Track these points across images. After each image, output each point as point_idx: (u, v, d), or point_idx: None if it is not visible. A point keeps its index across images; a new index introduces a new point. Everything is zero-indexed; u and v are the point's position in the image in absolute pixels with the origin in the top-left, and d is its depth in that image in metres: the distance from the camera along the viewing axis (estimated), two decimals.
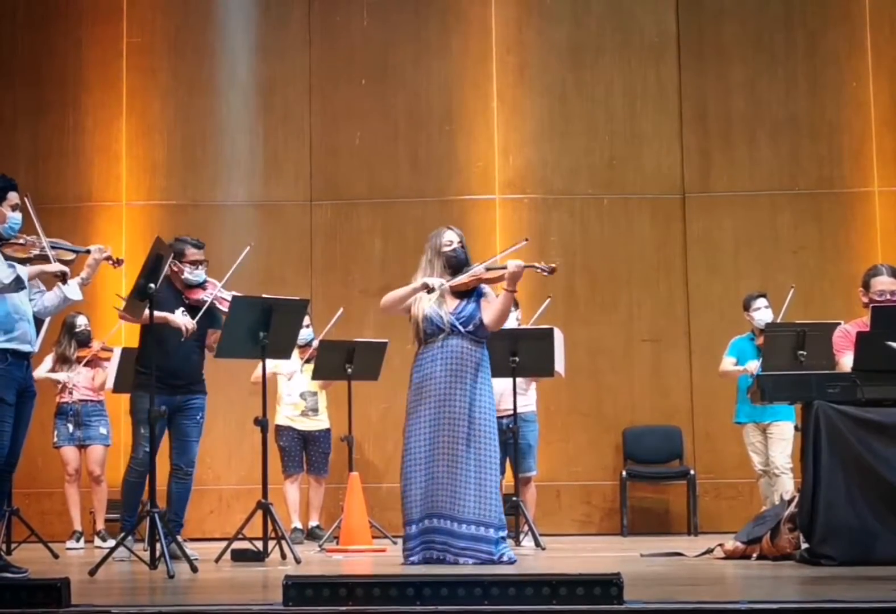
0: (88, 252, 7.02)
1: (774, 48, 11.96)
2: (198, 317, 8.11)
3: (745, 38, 12.00)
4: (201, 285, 8.27)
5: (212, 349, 8.35)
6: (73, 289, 6.88)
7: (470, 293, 7.32)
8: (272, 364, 10.16)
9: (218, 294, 8.18)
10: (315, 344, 10.36)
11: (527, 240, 7.43)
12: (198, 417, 8.26)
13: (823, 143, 11.84)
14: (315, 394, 10.64)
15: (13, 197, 6.77)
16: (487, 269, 7.29)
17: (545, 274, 7.17)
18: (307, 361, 10.44)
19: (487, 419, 7.20)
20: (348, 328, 11.02)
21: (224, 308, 8.14)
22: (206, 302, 8.14)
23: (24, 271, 6.54)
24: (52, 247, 6.83)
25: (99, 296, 10.45)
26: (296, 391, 10.56)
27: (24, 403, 6.74)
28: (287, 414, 10.61)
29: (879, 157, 11.74)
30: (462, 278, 7.26)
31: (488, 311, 7.29)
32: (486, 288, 7.38)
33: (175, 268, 8.08)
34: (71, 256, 7.00)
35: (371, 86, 12.07)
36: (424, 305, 7.26)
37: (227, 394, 11.16)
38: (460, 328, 7.21)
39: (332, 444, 10.67)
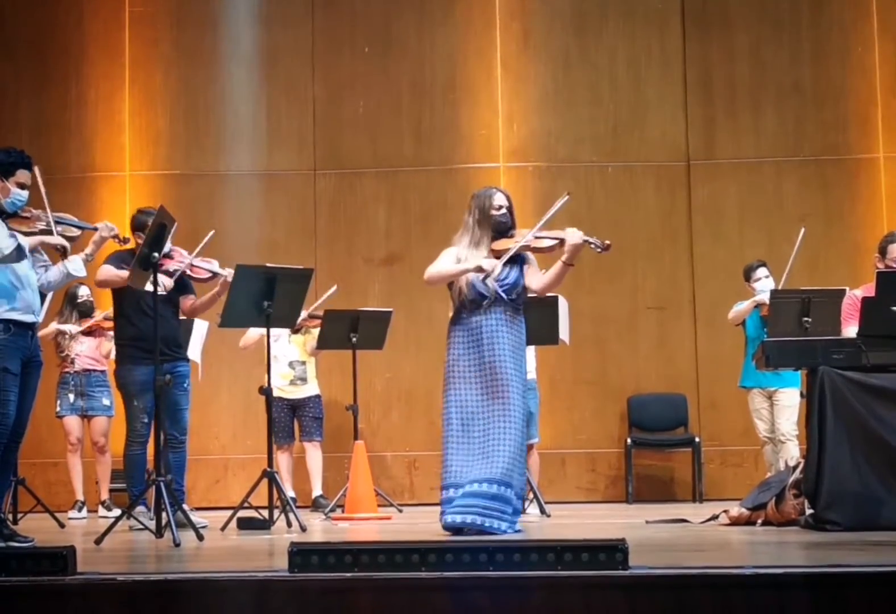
0: (95, 229, 7.03)
1: (779, 14, 11.91)
2: (172, 290, 8.16)
3: (750, 5, 11.95)
4: (167, 255, 8.21)
5: (189, 315, 8.51)
6: (76, 265, 6.88)
7: (513, 258, 7.13)
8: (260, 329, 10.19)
9: (188, 262, 8.14)
10: (303, 315, 10.27)
11: (569, 194, 7.25)
12: (185, 384, 8.26)
13: (828, 109, 11.80)
14: (304, 363, 10.61)
15: (22, 174, 6.74)
16: (536, 237, 7.11)
17: (598, 250, 6.97)
18: (296, 332, 10.39)
19: (519, 386, 7.05)
20: (353, 298, 11.02)
21: (197, 276, 8.18)
22: (174, 271, 8.13)
23: (26, 241, 6.54)
24: (58, 222, 6.84)
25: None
26: (284, 360, 10.49)
27: (30, 373, 6.75)
28: (275, 384, 10.55)
29: (885, 124, 11.70)
30: (512, 248, 7.07)
31: (536, 279, 7.15)
32: (529, 253, 7.23)
33: (139, 241, 7.96)
34: (76, 232, 7.00)
35: (374, 55, 12.04)
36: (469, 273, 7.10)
37: (230, 365, 11.19)
38: (504, 296, 7.07)
39: (323, 410, 10.64)
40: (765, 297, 9.45)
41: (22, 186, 6.75)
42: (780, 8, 11.93)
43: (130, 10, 12.06)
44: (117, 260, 8.10)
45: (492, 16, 12.00)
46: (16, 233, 6.56)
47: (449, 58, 12.06)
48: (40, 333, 7.55)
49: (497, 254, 7.14)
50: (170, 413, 8.16)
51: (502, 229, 7.21)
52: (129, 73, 12.04)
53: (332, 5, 12.10)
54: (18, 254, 6.49)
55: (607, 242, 6.98)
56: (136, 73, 12.06)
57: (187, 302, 8.37)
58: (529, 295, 7.33)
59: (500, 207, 7.22)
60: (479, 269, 7.01)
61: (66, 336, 10.40)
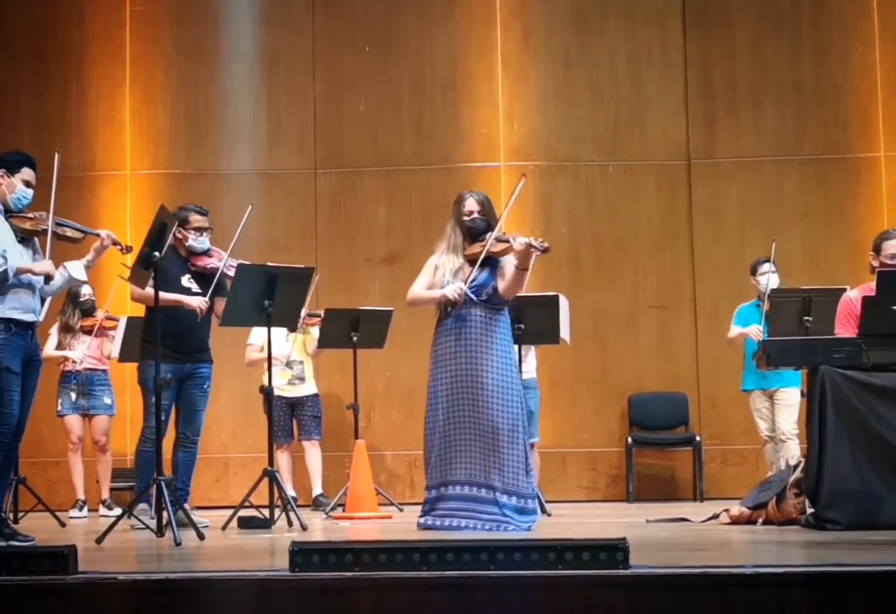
0: (97, 235, 7.03)
1: (780, 12, 11.90)
2: (210, 292, 8.12)
3: (750, 3, 11.94)
4: (206, 252, 8.29)
5: (219, 317, 8.41)
6: (77, 270, 6.88)
7: (486, 260, 7.32)
8: (259, 346, 10.15)
9: (224, 262, 8.19)
10: (302, 314, 10.26)
11: (524, 175, 7.44)
12: (205, 386, 8.28)
13: (829, 107, 11.79)
14: (301, 362, 10.62)
15: (27, 172, 6.76)
16: (497, 241, 7.26)
17: (538, 252, 7.08)
18: (293, 331, 10.38)
19: (507, 387, 7.22)
20: (353, 297, 11.02)
21: (231, 274, 8.17)
22: (212, 268, 8.17)
23: (14, 266, 6.54)
24: (60, 225, 6.85)
25: (104, 266, 10.42)
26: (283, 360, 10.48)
27: (30, 373, 6.75)
28: (274, 383, 10.52)
29: (885, 122, 11.70)
30: (476, 249, 7.28)
31: (502, 282, 7.33)
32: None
33: (179, 236, 8.06)
34: (79, 236, 7.00)
35: (375, 53, 12.03)
36: (441, 278, 7.33)
37: (232, 364, 11.16)
38: (473, 297, 7.26)
39: (321, 409, 10.66)
40: (753, 333, 9.52)
41: (27, 184, 6.76)
42: (781, 6, 11.92)
43: (131, 9, 12.05)
44: None
45: (492, 14, 12.00)
46: (7, 255, 6.54)
47: (449, 56, 12.06)
48: (44, 355, 7.62)
49: (469, 259, 7.35)
50: (185, 413, 8.21)
51: (474, 234, 7.40)
52: (129, 71, 12.04)
53: (332, 4, 12.10)
54: (3, 276, 6.50)
55: (545, 245, 7.03)
56: (137, 72, 12.05)
57: (221, 304, 8.24)
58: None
59: (471, 213, 7.40)
60: (445, 298, 7.26)
61: (68, 336, 10.40)
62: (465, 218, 7.39)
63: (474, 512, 7.13)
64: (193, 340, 8.20)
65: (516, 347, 9.12)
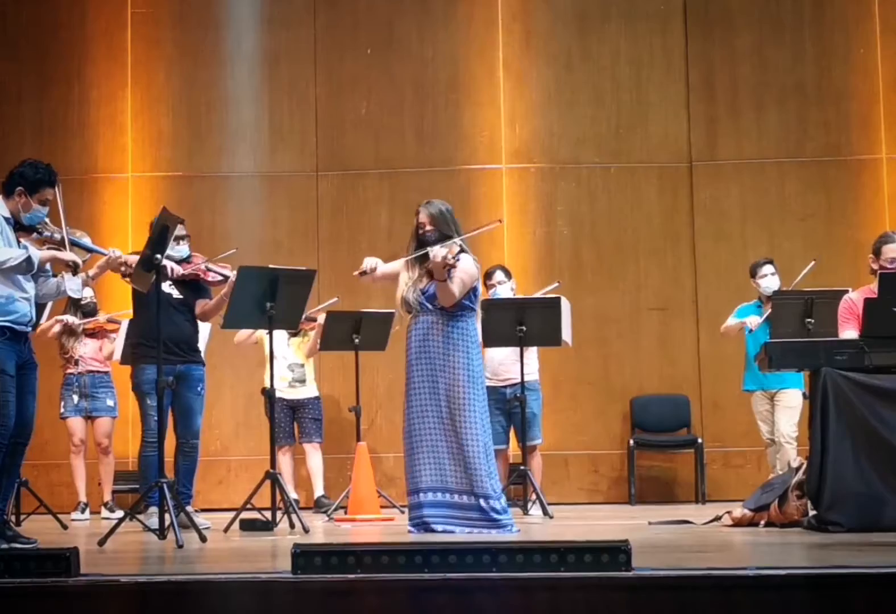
0: (105, 254, 7.04)
1: (781, 14, 11.90)
2: (182, 289, 8.19)
3: (752, 5, 11.93)
4: (186, 259, 8.31)
5: (202, 318, 8.46)
6: (74, 286, 6.87)
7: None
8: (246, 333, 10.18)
9: (202, 266, 8.21)
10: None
11: (501, 221, 7.70)
12: (198, 388, 8.29)
13: (831, 109, 11.79)
14: (302, 365, 10.62)
15: (47, 192, 6.75)
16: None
17: (450, 266, 7.23)
18: (294, 335, 10.41)
19: (463, 390, 7.36)
20: (355, 299, 11.01)
21: (210, 279, 8.29)
22: (193, 275, 8.20)
23: (37, 255, 6.54)
24: (72, 243, 6.85)
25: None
26: (283, 363, 10.48)
27: (27, 375, 6.75)
28: (274, 385, 10.55)
29: (887, 124, 11.69)
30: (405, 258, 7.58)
31: None
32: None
33: None
34: (86, 256, 7.01)
35: (376, 55, 12.03)
36: (402, 287, 7.57)
37: (233, 366, 11.19)
38: (428, 305, 7.44)
39: (322, 411, 10.67)
40: (752, 323, 9.52)
41: (44, 203, 6.76)
42: (782, 8, 11.92)
43: (133, 11, 12.05)
44: None
45: (494, 16, 11.99)
46: (28, 245, 6.56)
47: (451, 58, 12.05)
48: (44, 326, 7.54)
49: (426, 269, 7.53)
50: (182, 417, 8.21)
51: (426, 245, 7.49)
52: (131, 73, 12.04)
53: (334, 6, 12.09)
54: (28, 265, 6.50)
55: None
56: (139, 74, 12.04)
57: (201, 305, 8.40)
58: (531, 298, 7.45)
59: (423, 225, 7.53)
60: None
61: (71, 338, 10.39)
62: (420, 231, 7.53)
63: (451, 518, 7.26)
64: (181, 340, 8.20)
65: (516, 349, 9.20)
